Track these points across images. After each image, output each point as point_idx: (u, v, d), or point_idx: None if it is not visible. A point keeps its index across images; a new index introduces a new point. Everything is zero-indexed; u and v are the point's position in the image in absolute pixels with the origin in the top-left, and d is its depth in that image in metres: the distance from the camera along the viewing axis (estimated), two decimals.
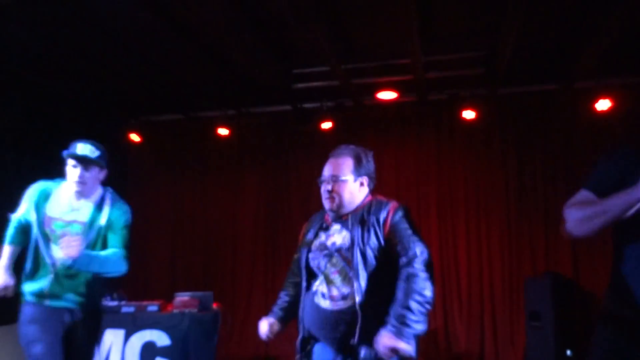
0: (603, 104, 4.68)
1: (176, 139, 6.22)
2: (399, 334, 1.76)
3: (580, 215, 1.59)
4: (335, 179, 2.06)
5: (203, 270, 5.94)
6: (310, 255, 2.07)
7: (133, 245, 2.66)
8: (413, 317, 1.78)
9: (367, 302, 1.89)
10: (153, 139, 6.10)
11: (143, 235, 5.86)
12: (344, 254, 1.97)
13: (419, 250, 1.89)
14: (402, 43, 4.19)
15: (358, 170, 2.08)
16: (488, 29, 4.02)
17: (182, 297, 4.17)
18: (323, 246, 2.05)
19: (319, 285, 2.01)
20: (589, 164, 4.98)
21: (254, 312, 5.70)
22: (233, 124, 5.77)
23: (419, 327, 1.80)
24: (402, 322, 1.77)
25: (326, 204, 2.08)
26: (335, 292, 1.96)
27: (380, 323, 1.82)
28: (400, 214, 1.99)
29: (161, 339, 3.98)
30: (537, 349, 4.26)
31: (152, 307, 4.18)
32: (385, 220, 1.97)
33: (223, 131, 5.73)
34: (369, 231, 1.97)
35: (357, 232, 1.98)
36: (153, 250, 6.07)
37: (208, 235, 6.03)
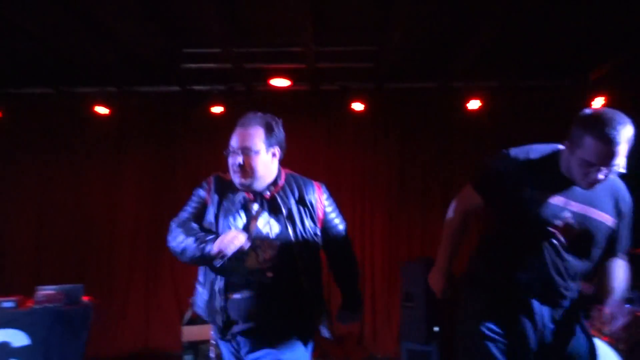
0: (474, 104, 5.16)
1: (44, 116, 5.54)
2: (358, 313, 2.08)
3: (445, 225, 2.01)
4: (246, 151, 1.88)
5: (76, 262, 5.40)
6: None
7: None
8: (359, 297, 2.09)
9: (304, 287, 1.88)
10: (15, 114, 5.39)
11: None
12: (273, 243, 1.85)
13: (344, 224, 2.09)
14: (296, 31, 4.20)
15: (269, 140, 1.92)
16: (377, 24, 4.19)
17: (45, 291, 3.77)
18: (258, 235, 1.86)
19: (231, 275, 1.86)
20: (462, 159, 5.51)
21: (132, 306, 5.39)
22: (114, 103, 5.31)
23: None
24: (359, 304, 2.06)
25: (236, 179, 1.90)
26: (267, 278, 1.84)
27: (313, 306, 1.89)
28: (327, 193, 2.02)
29: (18, 338, 3.56)
30: (410, 327, 4.61)
31: (7, 304, 3.70)
32: (317, 201, 1.95)
33: (102, 110, 5.26)
34: (306, 213, 1.92)
35: (295, 215, 1.89)
36: (13, 242, 5.40)
37: (81, 224, 5.50)
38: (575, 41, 4.37)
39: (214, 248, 1.75)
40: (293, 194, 1.93)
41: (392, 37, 4.17)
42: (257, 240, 1.84)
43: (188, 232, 1.88)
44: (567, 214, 1.73)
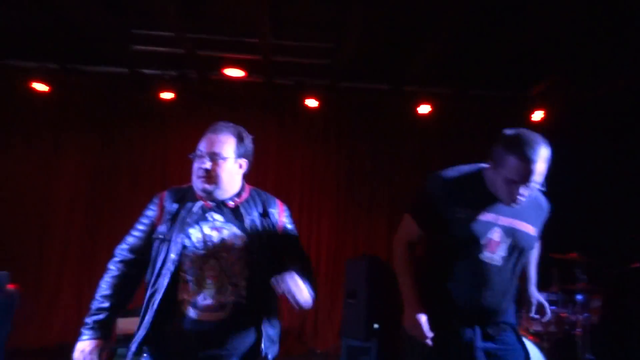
0: (424, 108, 5.31)
1: None
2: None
3: (394, 263, 1.95)
4: (215, 157, 1.81)
5: (3, 247, 5.05)
6: (185, 251, 1.74)
7: None
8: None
9: (249, 310, 1.75)
10: None
11: None
12: (231, 255, 1.75)
13: (306, 256, 1.93)
14: (253, 22, 4.14)
15: (239, 151, 1.87)
16: (335, 22, 4.21)
17: None
18: (206, 241, 1.76)
19: (184, 292, 1.73)
20: (410, 161, 5.65)
21: (64, 295, 5.14)
22: (54, 80, 5.01)
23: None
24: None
25: (199, 184, 1.81)
26: (210, 301, 1.71)
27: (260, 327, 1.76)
28: (288, 212, 1.97)
29: None
30: (351, 324, 4.68)
31: None
32: (278, 216, 1.91)
33: (40, 87, 4.94)
34: (267, 228, 1.86)
35: (256, 228, 1.83)
36: None
37: (11, 208, 5.15)
38: (519, 56, 4.60)
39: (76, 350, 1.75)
40: (256, 207, 1.89)
41: (349, 36, 4.20)
42: (216, 250, 1.77)
43: (104, 289, 1.79)
44: (497, 229, 1.82)
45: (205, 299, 1.72)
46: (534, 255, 2.07)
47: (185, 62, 5.00)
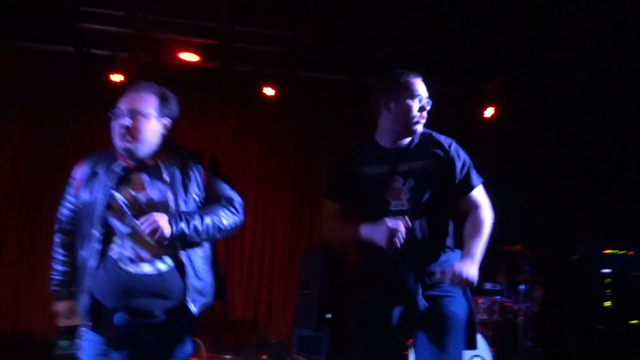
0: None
1: None
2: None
3: (332, 236, 2.06)
4: (136, 114, 1.79)
5: None
6: (112, 213, 1.76)
7: None
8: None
9: (176, 265, 1.77)
10: None
11: None
12: (160, 210, 1.75)
13: (237, 196, 1.94)
14: (210, 5, 4.02)
15: (162, 110, 1.84)
16: (295, 10, 4.16)
17: None
18: (133, 200, 1.76)
19: (120, 248, 1.75)
20: None
21: (1, 283, 4.86)
22: None
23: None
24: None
25: (119, 142, 1.79)
26: (146, 255, 1.74)
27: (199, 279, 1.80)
28: (215, 162, 1.94)
29: None
30: (304, 314, 4.70)
31: None
32: (203, 170, 1.88)
33: None
34: (190, 181, 1.83)
35: (178, 182, 1.81)
36: None
37: None
38: (474, 53, 4.71)
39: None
40: (178, 165, 1.86)
41: (310, 25, 4.17)
42: (138, 208, 1.77)
43: (55, 258, 1.91)
44: (396, 177, 1.92)
45: (132, 254, 1.74)
46: (475, 223, 1.96)
47: (137, 44, 4.79)
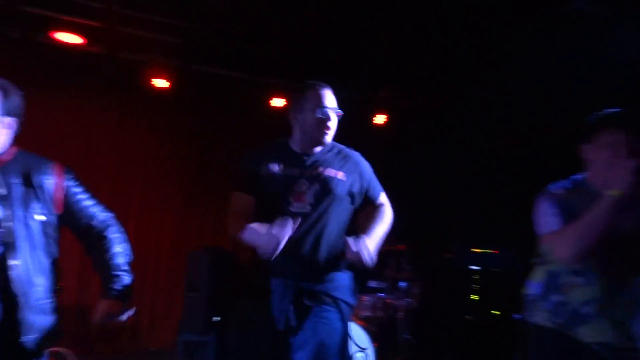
0: (278, 102, 5.33)
1: None
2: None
3: (237, 233, 1.96)
4: None
5: None
6: None
7: None
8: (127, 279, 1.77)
9: (24, 285, 1.54)
10: None
11: None
12: None
13: (109, 217, 1.78)
14: None
15: (4, 107, 1.60)
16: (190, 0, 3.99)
17: None
18: None
19: None
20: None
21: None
22: None
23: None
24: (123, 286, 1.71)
25: None
26: None
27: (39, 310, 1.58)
28: (70, 177, 1.71)
29: None
30: (191, 317, 4.48)
31: None
32: (55, 187, 1.63)
33: None
34: (36, 197, 1.59)
35: (18, 196, 1.56)
36: None
37: None
38: (367, 60, 4.91)
39: None
40: (17, 174, 1.61)
41: (205, 17, 4.02)
42: None
43: None
44: (302, 181, 1.99)
45: None
46: (377, 214, 2.13)
47: (5, 19, 4.25)
